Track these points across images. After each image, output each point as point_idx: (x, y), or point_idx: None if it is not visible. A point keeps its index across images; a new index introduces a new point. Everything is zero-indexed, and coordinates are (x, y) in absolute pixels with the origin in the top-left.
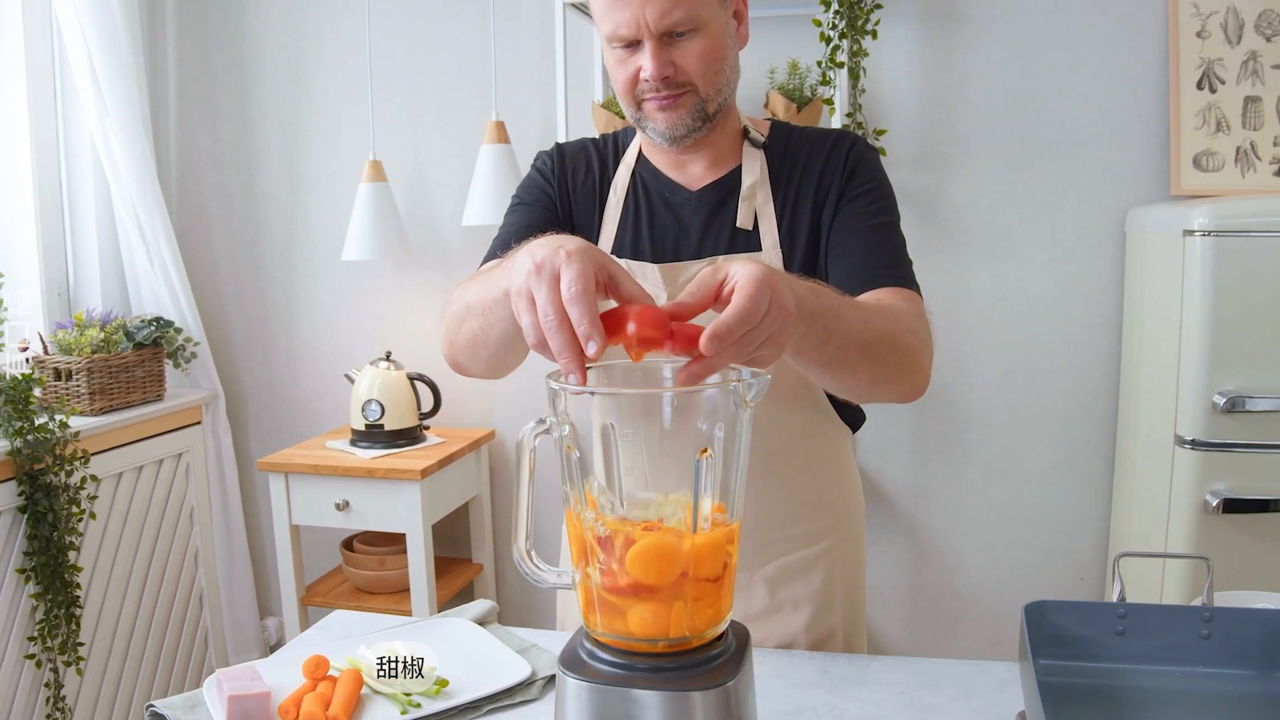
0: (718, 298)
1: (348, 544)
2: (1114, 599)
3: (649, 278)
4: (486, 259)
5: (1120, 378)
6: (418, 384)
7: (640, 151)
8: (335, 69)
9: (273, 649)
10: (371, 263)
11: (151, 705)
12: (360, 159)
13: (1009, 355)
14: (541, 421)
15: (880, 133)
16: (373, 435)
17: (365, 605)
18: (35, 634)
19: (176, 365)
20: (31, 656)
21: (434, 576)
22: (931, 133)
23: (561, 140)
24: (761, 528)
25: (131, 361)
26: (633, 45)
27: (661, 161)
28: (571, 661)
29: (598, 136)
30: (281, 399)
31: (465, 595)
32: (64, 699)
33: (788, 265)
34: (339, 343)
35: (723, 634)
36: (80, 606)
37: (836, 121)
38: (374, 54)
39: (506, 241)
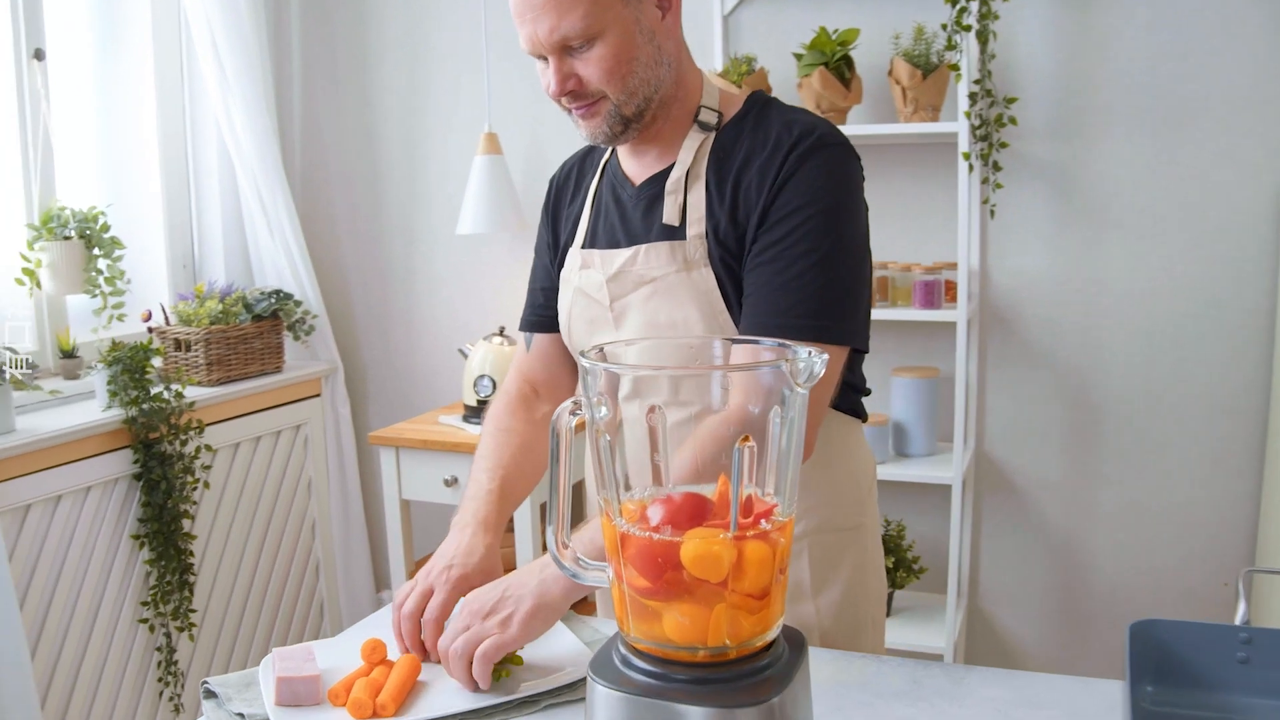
0: None
1: None
2: (1238, 620)
3: (595, 264)
4: (522, 321)
5: (1273, 367)
6: None
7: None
8: (454, 41)
9: None
10: (487, 236)
11: (206, 682)
12: (477, 132)
13: (1151, 341)
14: (576, 404)
15: (1011, 101)
16: (485, 411)
17: None
18: (149, 599)
19: (296, 338)
20: (144, 621)
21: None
22: (1068, 101)
23: None
24: None
25: (250, 333)
26: (545, 58)
27: (624, 153)
28: (604, 667)
29: None
30: (399, 372)
31: None
32: (176, 663)
33: (714, 259)
34: (455, 317)
35: (773, 642)
36: (194, 574)
37: (964, 90)
38: (490, 25)
39: (525, 313)
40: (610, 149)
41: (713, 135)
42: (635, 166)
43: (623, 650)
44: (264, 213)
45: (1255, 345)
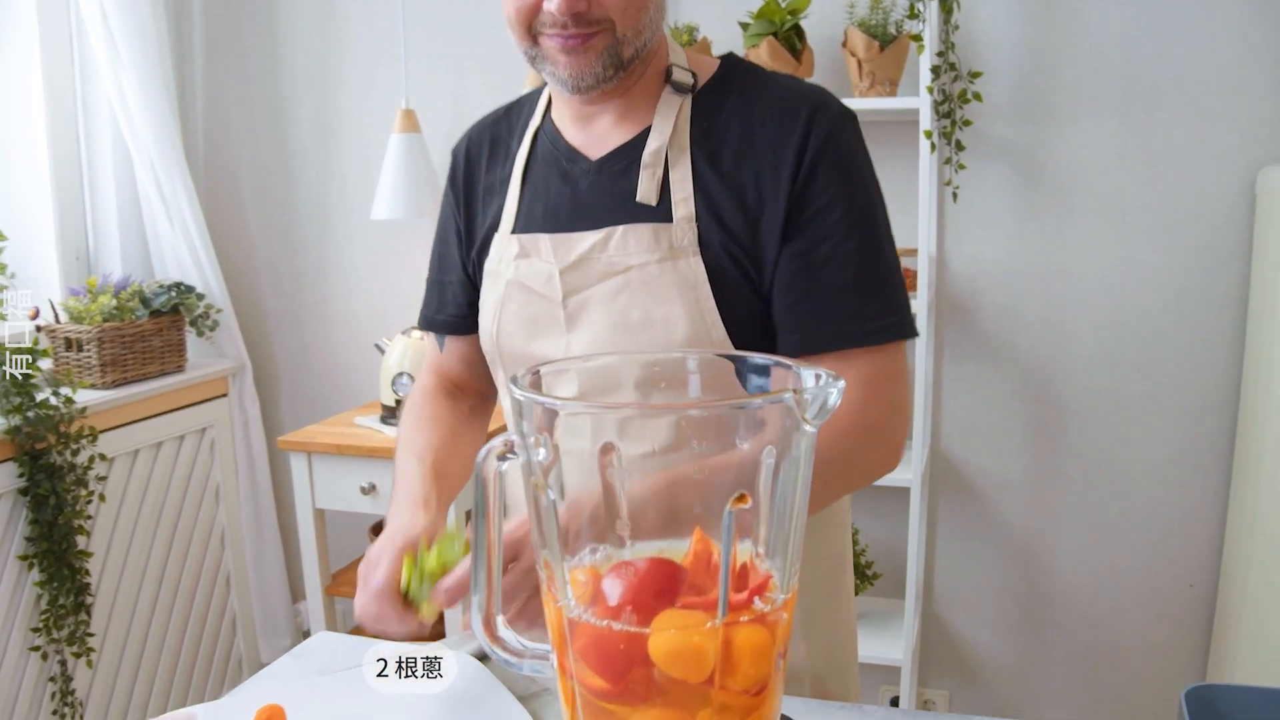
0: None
1: (377, 529)
2: None
3: (543, 252)
4: (420, 319)
5: (1244, 361)
6: None
7: (548, 106)
8: (369, 10)
9: (306, 635)
10: (404, 222)
11: None
12: (394, 110)
13: (1116, 334)
14: (508, 444)
15: (975, 75)
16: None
17: None
18: (40, 624)
19: (200, 334)
20: (36, 649)
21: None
22: (1034, 78)
23: None
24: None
25: (148, 330)
26: None
27: (565, 117)
28: None
29: (524, 94)
30: (313, 370)
31: None
32: (73, 692)
33: (705, 246)
34: (373, 309)
35: None
36: (91, 594)
37: (925, 63)
38: None
39: (424, 311)
40: (543, 113)
41: (688, 100)
42: (583, 136)
43: None
44: (162, 199)
45: (1226, 339)
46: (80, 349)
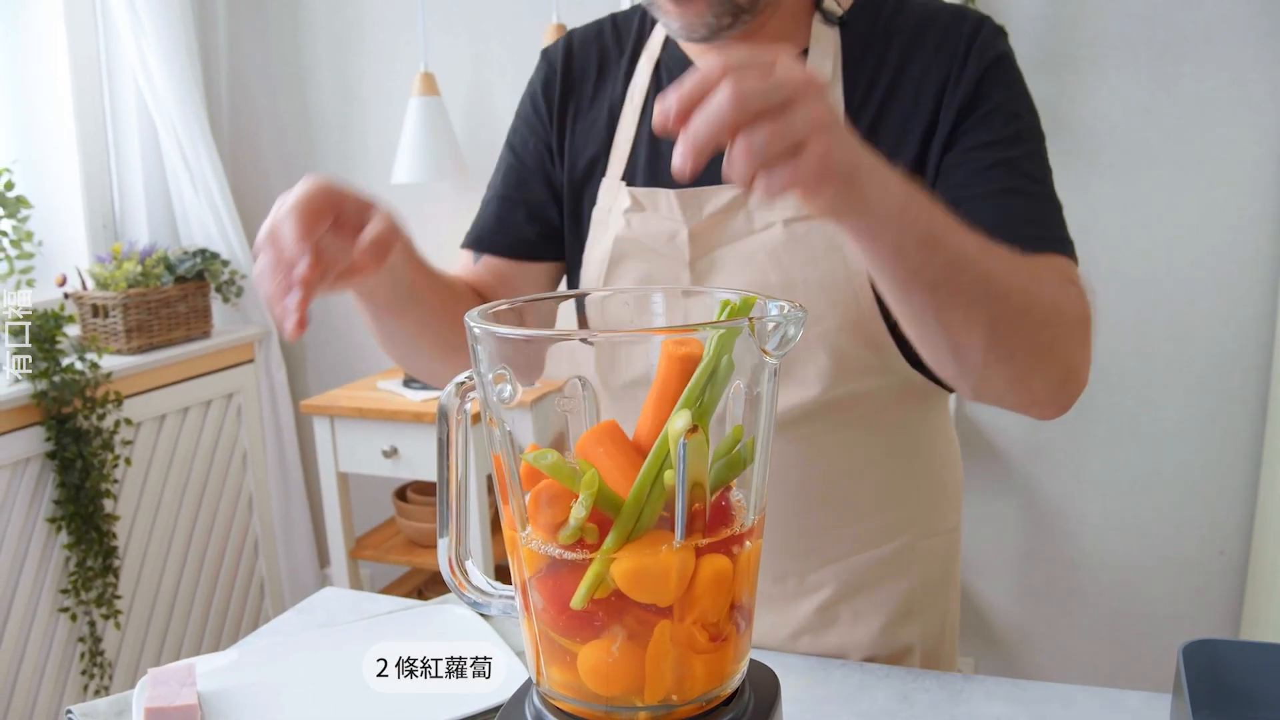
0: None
1: (401, 493)
2: None
3: (663, 208)
4: (468, 237)
5: (1277, 320)
6: None
7: (668, 35)
8: None
9: None
10: (425, 185)
11: (70, 712)
12: (413, 73)
13: (1144, 293)
14: (468, 379)
15: None
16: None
17: (418, 560)
18: (69, 586)
19: (225, 300)
20: (65, 610)
21: (489, 532)
22: (1058, 30)
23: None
24: (814, 525)
25: (173, 296)
26: None
27: (696, 50)
28: None
29: (632, 5)
30: (338, 334)
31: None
32: (102, 653)
33: None
34: None
35: (735, 692)
36: (118, 557)
37: None
38: None
39: (473, 229)
40: (663, 41)
41: (837, 32)
42: None
43: (537, 704)
44: (186, 166)
45: (1257, 297)
46: (106, 315)
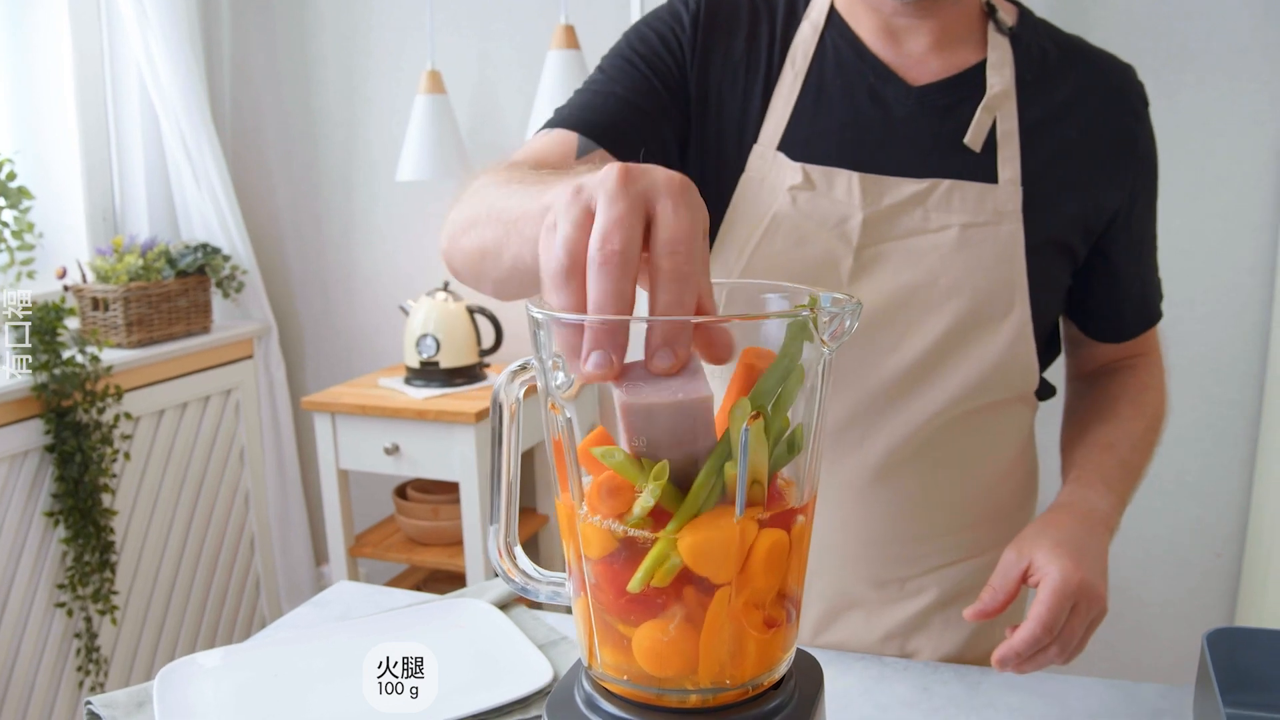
0: (1020, 585)
1: (401, 491)
2: None
3: (839, 189)
4: (550, 124)
5: (1271, 326)
6: (478, 317)
7: (833, 6)
8: None
9: None
10: (429, 183)
11: (90, 703)
12: (419, 71)
13: None
14: (524, 368)
15: None
16: (427, 373)
17: (417, 557)
18: (65, 581)
19: (225, 295)
20: (61, 605)
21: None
22: None
23: None
24: (926, 531)
25: (174, 290)
26: None
27: (866, 28)
28: (562, 709)
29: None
30: (339, 332)
31: (529, 550)
32: (98, 649)
33: (1028, 215)
34: (398, 271)
35: (782, 680)
36: (115, 552)
37: None
38: None
39: (580, 112)
40: (828, 10)
41: (1008, 43)
42: (893, 53)
43: (587, 687)
44: (189, 161)
45: (1253, 304)
46: (106, 308)
